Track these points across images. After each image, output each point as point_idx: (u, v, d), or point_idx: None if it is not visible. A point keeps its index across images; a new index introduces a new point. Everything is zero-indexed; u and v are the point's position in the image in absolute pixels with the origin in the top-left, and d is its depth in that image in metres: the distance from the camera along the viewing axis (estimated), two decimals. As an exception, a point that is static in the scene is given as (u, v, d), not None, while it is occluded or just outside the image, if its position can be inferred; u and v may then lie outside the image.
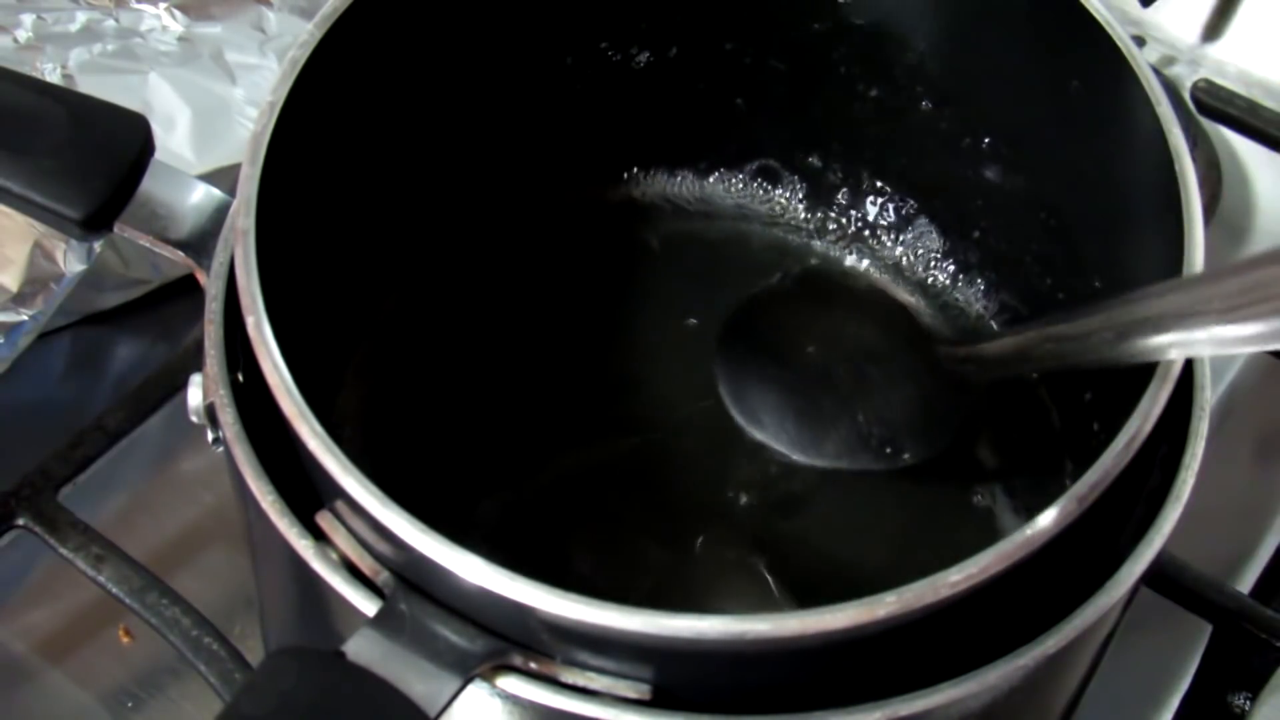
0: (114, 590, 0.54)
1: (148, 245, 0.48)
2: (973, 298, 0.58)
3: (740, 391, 0.52)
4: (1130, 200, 0.48)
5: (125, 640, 0.58)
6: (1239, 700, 0.56)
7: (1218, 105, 0.75)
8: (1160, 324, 0.38)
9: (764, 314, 0.55)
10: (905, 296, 0.59)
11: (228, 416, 0.43)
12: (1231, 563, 0.62)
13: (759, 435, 0.51)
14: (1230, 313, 0.35)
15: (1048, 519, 0.37)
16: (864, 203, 0.60)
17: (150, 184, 0.48)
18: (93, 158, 0.47)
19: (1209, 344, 0.36)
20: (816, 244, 0.61)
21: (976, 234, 0.58)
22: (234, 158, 0.64)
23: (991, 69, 0.53)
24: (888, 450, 0.50)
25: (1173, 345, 0.38)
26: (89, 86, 0.65)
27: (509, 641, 0.37)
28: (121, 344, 0.67)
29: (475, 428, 0.55)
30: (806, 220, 0.61)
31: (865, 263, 0.60)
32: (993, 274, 0.58)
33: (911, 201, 0.59)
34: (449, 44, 0.52)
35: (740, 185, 0.61)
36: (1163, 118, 0.45)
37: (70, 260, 0.61)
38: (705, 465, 0.54)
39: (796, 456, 0.51)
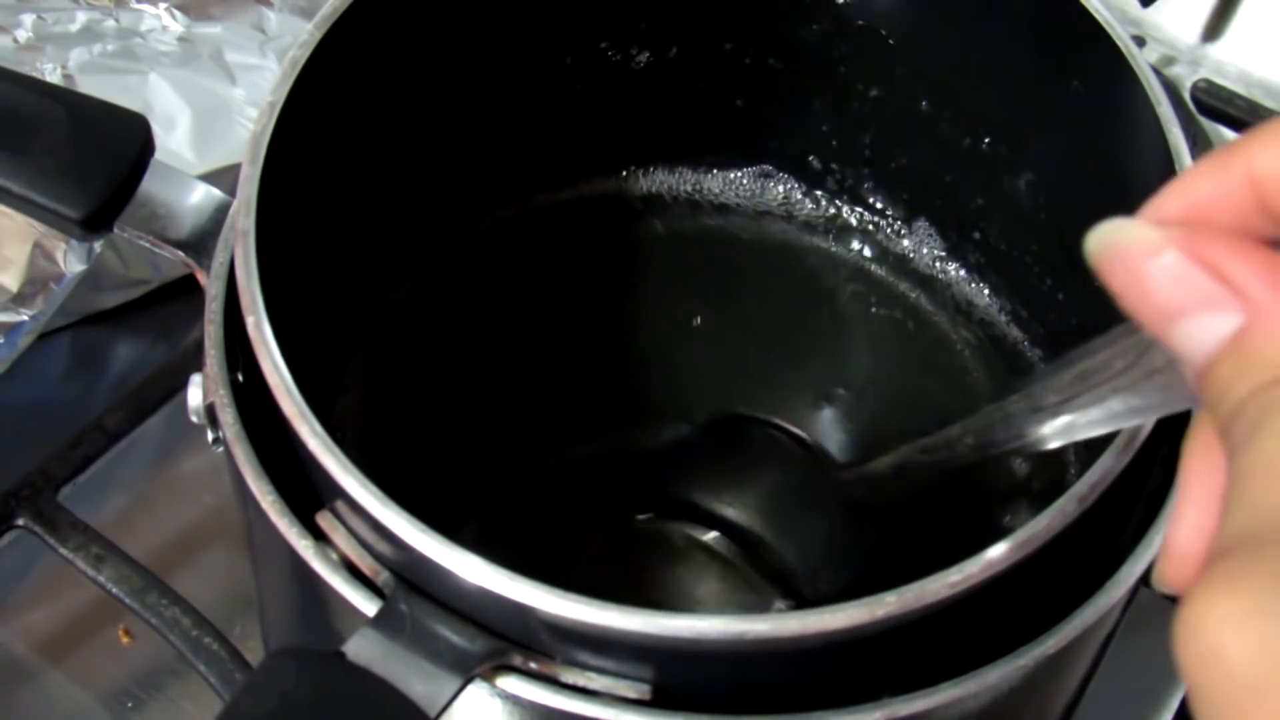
0: (114, 590, 0.54)
1: (148, 245, 0.48)
2: (975, 298, 0.58)
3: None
4: (1130, 200, 0.48)
5: (125, 640, 0.58)
6: (1239, 700, 0.56)
7: (1218, 105, 0.75)
8: (1009, 423, 0.39)
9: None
10: (907, 295, 0.59)
11: (228, 416, 0.43)
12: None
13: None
14: (1066, 404, 0.36)
15: (1048, 519, 0.37)
16: (865, 204, 0.60)
17: (150, 184, 0.48)
18: (93, 158, 0.47)
19: (1055, 436, 0.37)
20: (817, 244, 0.61)
21: (977, 234, 0.58)
22: (234, 158, 0.64)
23: (992, 69, 0.53)
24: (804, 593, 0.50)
25: (1025, 441, 0.39)
26: (89, 86, 0.65)
27: (509, 641, 0.37)
28: (121, 344, 0.67)
29: (476, 428, 0.55)
30: (807, 220, 0.61)
31: (866, 263, 0.60)
32: (994, 274, 0.58)
33: (912, 202, 0.59)
34: (449, 44, 0.52)
35: (740, 186, 0.61)
36: (1163, 118, 0.44)
37: (70, 260, 0.61)
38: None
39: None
